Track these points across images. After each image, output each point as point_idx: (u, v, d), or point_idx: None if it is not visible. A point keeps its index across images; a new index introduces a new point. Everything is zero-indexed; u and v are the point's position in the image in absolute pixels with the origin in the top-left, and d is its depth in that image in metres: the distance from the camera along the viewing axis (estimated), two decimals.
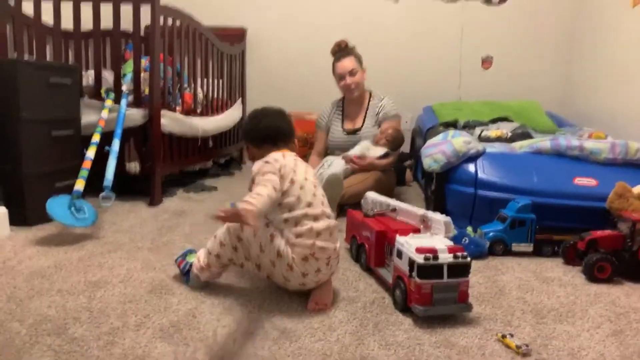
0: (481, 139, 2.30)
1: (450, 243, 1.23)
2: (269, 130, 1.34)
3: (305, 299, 1.28)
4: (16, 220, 1.81)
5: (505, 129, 2.45)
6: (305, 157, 2.79)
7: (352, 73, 2.52)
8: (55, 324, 1.11)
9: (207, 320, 1.15)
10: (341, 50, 2.57)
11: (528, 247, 1.72)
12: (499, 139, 2.32)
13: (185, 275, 1.35)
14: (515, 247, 1.71)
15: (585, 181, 1.85)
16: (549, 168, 1.92)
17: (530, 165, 1.93)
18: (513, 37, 3.59)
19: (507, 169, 1.91)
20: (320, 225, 1.21)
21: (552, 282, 1.49)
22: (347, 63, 2.52)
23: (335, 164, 2.36)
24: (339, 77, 2.55)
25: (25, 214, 1.84)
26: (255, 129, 1.36)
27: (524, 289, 1.43)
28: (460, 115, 2.90)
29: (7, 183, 1.81)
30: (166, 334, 1.08)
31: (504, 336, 1.10)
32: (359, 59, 2.57)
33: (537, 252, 1.72)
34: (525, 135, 2.37)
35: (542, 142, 2.05)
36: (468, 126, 2.62)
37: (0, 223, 1.73)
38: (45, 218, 1.76)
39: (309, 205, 1.21)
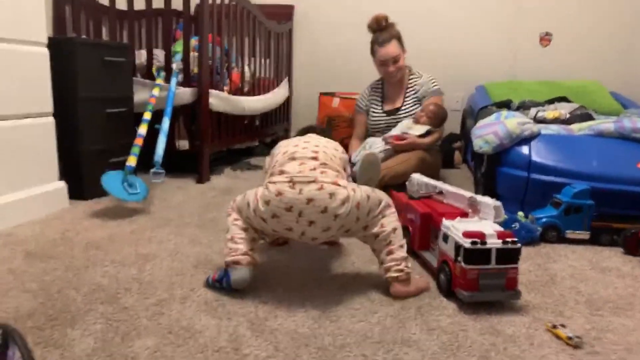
0: (536, 120, 2.19)
1: (500, 228, 1.18)
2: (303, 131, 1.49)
3: (348, 282, 1.28)
4: (74, 193, 1.91)
5: (563, 110, 2.32)
6: (350, 137, 2.77)
7: (395, 60, 2.41)
8: (108, 293, 1.16)
9: (250, 297, 1.16)
10: (381, 29, 2.43)
11: (584, 235, 1.63)
12: (555, 121, 2.20)
13: (224, 277, 1.18)
14: (570, 234, 1.63)
15: None
16: (610, 152, 1.80)
17: (589, 149, 1.81)
18: (574, 12, 3.36)
19: (564, 152, 1.81)
20: (280, 177, 1.14)
21: (610, 272, 1.41)
22: (391, 49, 2.39)
23: (376, 146, 2.32)
24: (381, 63, 2.44)
25: (83, 188, 1.93)
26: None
27: (577, 278, 1.35)
28: (514, 95, 2.76)
29: (66, 158, 1.90)
30: (210, 308, 1.10)
31: (554, 326, 1.05)
32: (400, 41, 2.43)
33: (594, 241, 1.63)
34: (585, 117, 2.23)
35: (605, 124, 1.92)
36: (523, 107, 2.49)
37: (60, 196, 1.83)
38: (101, 192, 1.84)
39: (282, 165, 1.20)
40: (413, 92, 2.50)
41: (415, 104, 2.49)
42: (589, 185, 1.65)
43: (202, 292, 1.18)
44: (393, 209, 1.22)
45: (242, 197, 1.21)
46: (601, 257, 1.53)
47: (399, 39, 2.43)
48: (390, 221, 1.20)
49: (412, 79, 2.53)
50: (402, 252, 1.20)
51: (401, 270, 1.18)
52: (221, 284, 1.18)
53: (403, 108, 2.50)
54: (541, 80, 3.14)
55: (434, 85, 2.48)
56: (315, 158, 1.19)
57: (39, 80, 1.72)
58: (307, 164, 1.17)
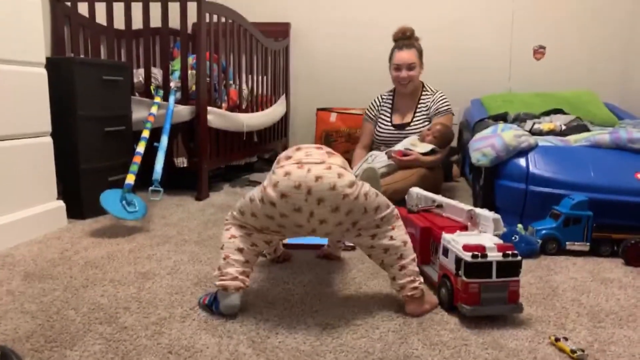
0: (533, 132, 2.20)
1: (499, 241, 1.18)
2: None
3: (349, 297, 1.27)
4: (73, 212, 1.90)
5: (559, 122, 2.34)
6: (349, 152, 2.78)
7: (410, 67, 2.42)
8: (107, 312, 1.15)
9: (251, 314, 1.16)
10: (405, 38, 2.47)
11: (584, 246, 1.63)
12: (552, 132, 2.21)
13: (213, 302, 1.16)
14: (570, 246, 1.63)
15: None
16: (607, 162, 1.80)
17: (586, 160, 1.82)
18: (567, 25, 3.41)
19: (562, 163, 1.82)
20: (287, 161, 1.11)
21: (611, 283, 1.40)
22: (408, 55, 2.42)
23: (379, 159, 2.32)
24: (395, 67, 2.46)
25: (81, 207, 1.93)
26: None
27: (579, 290, 1.35)
28: (510, 108, 2.78)
29: (65, 178, 1.90)
30: (210, 326, 1.10)
31: (557, 339, 1.04)
32: (420, 53, 2.47)
33: (594, 252, 1.63)
34: (581, 128, 2.25)
35: (601, 135, 1.93)
36: (519, 119, 2.51)
37: (58, 216, 1.83)
38: (99, 211, 1.84)
39: (287, 155, 1.15)
40: (425, 108, 2.49)
41: (425, 121, 2.48)
42: (587, 196, 1.65)
43: (202, 310, 1.17)
44: (401, 222, 1.19)
45: (242, 199, 1.16)
46: (602, 268, 1.53)
47: (420, 52, 2.47)
48: (400, 234, 1.16)
49: (425, 95, 2.52)
50: (414, 266, 1.17)
51: (416, 288, 1.16)
52: (211, 309, 1.15)
53: (412, 124, 2.48)
54: (536, 92, 3.16)
55: (446, 105, 2.47)
56: (320, 148, 1.15)
57: (37, 101, 1.72)
58: (313, 152, 1.13)
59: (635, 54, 3.28)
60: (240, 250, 1.15)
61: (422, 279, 1.18)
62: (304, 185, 1.06)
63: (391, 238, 1.15)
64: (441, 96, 2.50)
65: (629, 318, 1.18)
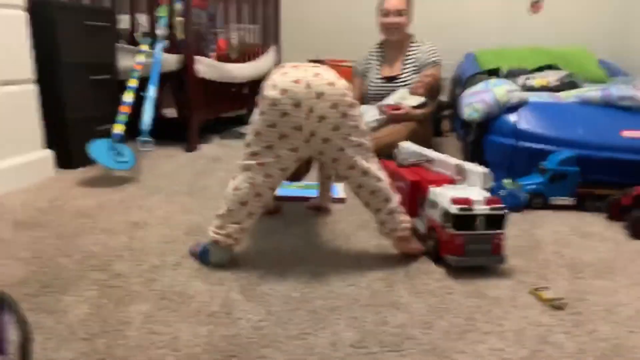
0: (525, 88, 2.19)
1: (487, 195, 1.20)
2: None
3: (338, 247, 1.30)
4: (61, 162, 1.89)
5: (551, 78, 2.32)
6: None
7: (398, 13, 2.40)
8: (100, 260, 1.17)
9: (242, 262, 1.18)
10: None
11: (569, 201, 1.66)
12: (543, 88, 2.20)
13: (203, 254, 1.17)
14: (555, 200, 1.66)
15: (634, 134, 1.74)
16: (596, 119, 1.81)
17: (575, 116, 1.83)
18: None
19: (551, 119, 1.82)
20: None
21: (592, 237, 1.45)
22: (397, 1, 2.40)
23: (369, 114, 2.31)
24: (383, 13, 2.42)
25: (70, 157, 1.91)
26: None
27: (561, 243, 1.39)
28: (504, 63, 2.75)
29: (52, 127, 1.86)
30: (202, 274, 1.12)
31: (537, 289, 1.08)
32: (410, 3, 2.45)
33: (579, 207, 1.66)
34: (573, 85, 2.24)
35: (591, 91, 1.93)
36: (511, 74, 2.49)
37: (45, 165, 1.81)
38: (89, 161, 1.82)
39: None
40: (413, 60, 2.47)
41: (413, 73, 2.46)
42: (574, 152, 1.67)
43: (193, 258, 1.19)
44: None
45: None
46: (584, 222, 1.57)
47: (409, 1, 2.45)
48: (384, 174, 1.20)
49: (412, 46, 2.49)
50: (401, 207, 1.21)
51: (406, 229, 1.21)
52: (200, 259, 1.16)
53: (401, 76, 2.46)
54: (531, 47, 3.12)
55: (434, 56, 2.44)
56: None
57: (17, 45, 1.66)
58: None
59: (633, 10, 3.23)
60: (243, 203, 1.12)
61: (409, 218, 1.22)
62: (304, 80, 1.09)
63: (378, 179, 1.17)
64: (429, 48, 2.47)
65: (607, 270, 1.23)
